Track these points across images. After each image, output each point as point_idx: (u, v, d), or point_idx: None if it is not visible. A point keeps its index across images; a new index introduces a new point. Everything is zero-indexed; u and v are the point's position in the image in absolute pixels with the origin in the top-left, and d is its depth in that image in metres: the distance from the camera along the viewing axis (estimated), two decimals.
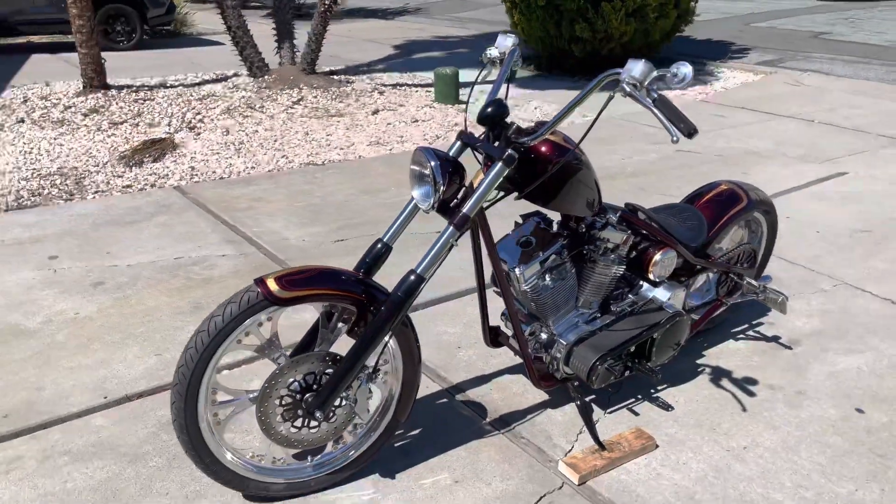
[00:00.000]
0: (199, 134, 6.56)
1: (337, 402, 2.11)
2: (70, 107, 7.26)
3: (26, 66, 9.70)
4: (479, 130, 2.26)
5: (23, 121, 6.83)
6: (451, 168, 2.07)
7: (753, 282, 2.99)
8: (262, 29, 10.12)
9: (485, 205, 2.24)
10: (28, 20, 10.72)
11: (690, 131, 1.91)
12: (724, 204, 2.94)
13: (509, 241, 2.44)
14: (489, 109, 2.12)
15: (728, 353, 3.08)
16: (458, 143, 2.26)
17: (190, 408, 1.95)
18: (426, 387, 2.80)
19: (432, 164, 2.04)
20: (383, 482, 2.28)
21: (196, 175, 5.48)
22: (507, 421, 2.61)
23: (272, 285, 1.93)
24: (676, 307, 2.66)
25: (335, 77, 8.86)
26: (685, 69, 1.91)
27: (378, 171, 5.54)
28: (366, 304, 2.06)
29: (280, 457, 2.18)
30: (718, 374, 2.93)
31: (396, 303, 2.03)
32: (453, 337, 3.12)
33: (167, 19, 12.16)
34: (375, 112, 7.44)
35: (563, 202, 2.31)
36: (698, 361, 3.02)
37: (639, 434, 2.50)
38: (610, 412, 2.68)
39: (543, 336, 2.54)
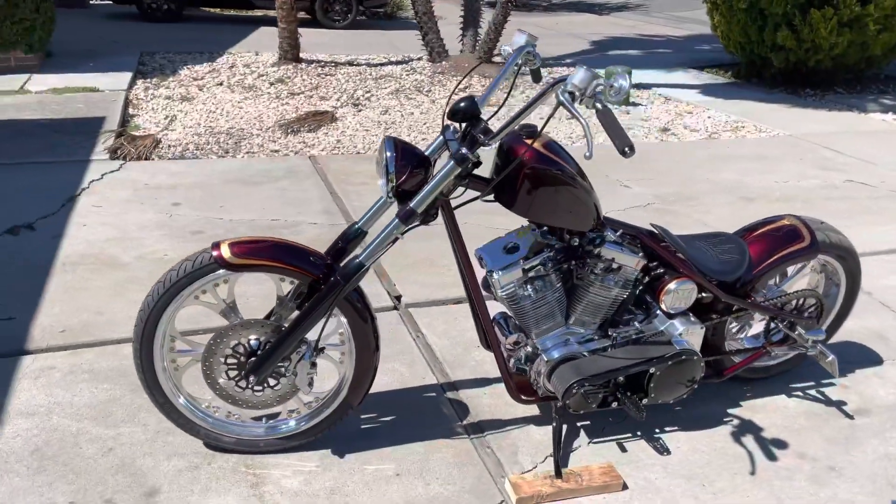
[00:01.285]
0: (360, 111, 6.95)
1: (280, 372, 2.20)
2: (262, 75, 8.02)
3: (252, 36, 10.82)
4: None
5: (222, 83, 7.67)
6: (411, 160, 2.07)
7: (804, 333, 2.63)
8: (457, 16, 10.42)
9: (453, 203, 2.21)
10: None
11: (625, 147, 1.77)
12: (778, 240, 2.60)
13: (496, 244, 2.37)
14: (461, 105, 2.07)
15: (771, 409, 2.74)
16: (441, 137, 2.23)
17: (146, 350, 2.15)
18: (423, 378, 2.81)
19: (387, 154, 2.06)
20: (330, 459, 2.35)
21: (337, 148, 5.83)
22: (482, 427, 2.55)
23: (225, 250, 2.07)
24: (689, 344, 2.43)
25: None
26: (623, 81, 1.77)
27: None
28: (317, 282, 2.13)
29: (235, 413, 2.33)
30: (746, 429, 2.63)
31: (333, 285, 2.08)
32: (475, 336, 3.08)
33: (381, 1, 12.90)
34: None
35: (541, 212, 2.20)
36: (730, 410, 2.72)
37: (607, 471, 2.32)
38: (596, 442, 2.51)
39: (528, 348, 2.45)
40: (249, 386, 2.19)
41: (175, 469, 2.26)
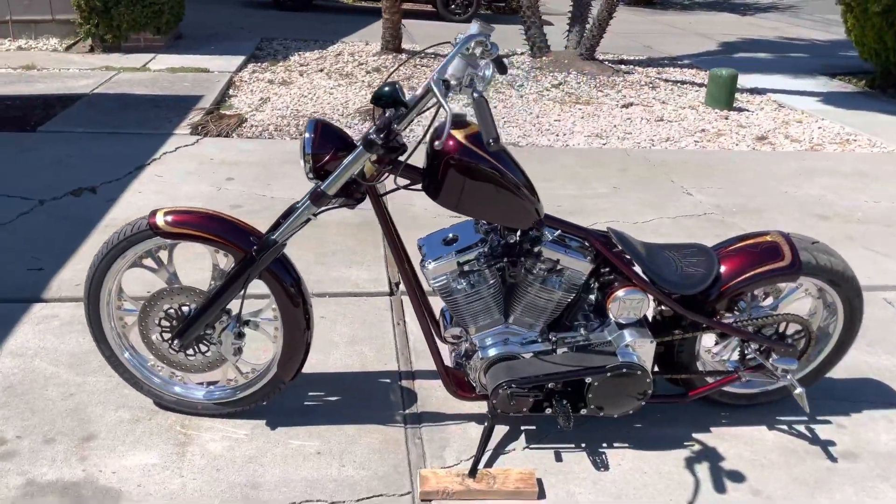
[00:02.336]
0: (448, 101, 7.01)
1: (208, 339, 2.31)
2: (362, 64, 8.27)
3: (372, 26, 11.12)
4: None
5: (323, 70, 7.99)
6: (329, 142, 2.09)
7: (775, 360, 2.41)
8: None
9: (381, 191, 2.21)
10: None
11: (489, 139, 1.72)
12: (753, 257, 2.39)
13: (438, 235, 2.34)
14: (384, 90, 2.07)
15: (742, 439, 2.53)
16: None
17: (93, 306, 2.32)
18: (385, 364, 2.83)
19: (305, 136, 2.10)
20: (261, 429, 2.43)
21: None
22: (421, 419, 2.54)
23: (159, 218, 2.19)
24: (636, 357, 2.30)
25: (613, 66, 8.63)
26: (489, 71, 1.71)
27: (561, 162, 5.40)
28: (243, 255, 2.20)
29: (179, 374, 2.46)
30: (705, 456, 2.45)
31: (248, 259, 2.15)
32: None
33: None
34: (627, 105, 7.14)
35: (467, 206, 2.16)
36: (696, 435, 2.55)
37: (524, 477, 2.25)
38: (533, 447, 2.44)
39: (467, 344, 2.41)
40: (179, 349, 2.31)
41: (118, 420, 2.43)
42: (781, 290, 2.55)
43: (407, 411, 2.57)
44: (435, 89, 1.88)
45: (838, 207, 4.76)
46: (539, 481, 2.28)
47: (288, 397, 2.57)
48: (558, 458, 2.40)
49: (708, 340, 2.60)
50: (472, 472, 2.25)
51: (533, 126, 6.37)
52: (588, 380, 2.30)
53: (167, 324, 2.31)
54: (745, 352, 2.50)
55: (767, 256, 2.38)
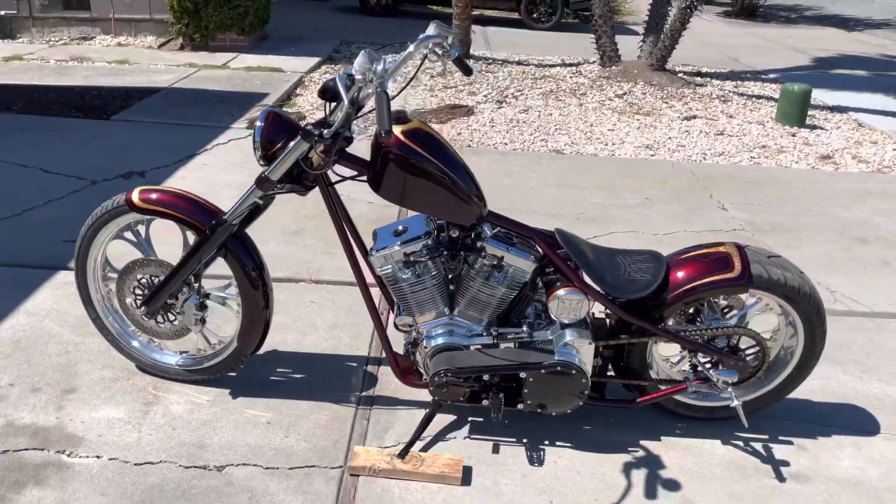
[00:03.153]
0: (501, 107, 7.11)
1: (173, 309, 2.51)
2: (427, 69, 8.46)
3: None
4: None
5: None
6: (278, 131, 2.24)
7: (717, 372, 2.38)
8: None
9: (333, 179, 2.34)
10: None
11: (381, 130, 1.84)
12: (703, 267, 2.37)
13: (391, 226, 2.46)
14: (329, 84, 2.19)
15: (691, 451, 2.51)
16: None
17: (81, 273, 2.57)
18: (356, 349, 2.97)
19: (257, 124, 2.26)
20: (223, 398, 2.62)
21: (455, 140, 6.05)
22: (374, 401, 2.66)
23: (135, 195, 2.41)
24: (573, 357, 2.33)
25: (686, 77, 8.46)
26: (378, 65, 1.87)
27: (600, 171, 5.38)
28: (203, 233, 2.39)
29: (156, 341, 2.68)
30: (645, 463, 2.45)
31: (201, 237, 2.34)
32: None
33: (587, 4, 12.77)
34: (689, 118, 7.00)
35: (407, 199, 2.25)
36: (643, 442, 2.54)
37: (451, 463, 2.33)
38: (474, 438, 2.51)
39: (416, 333, 2.51)
40: (149, 316, 2.53)
41: (99, 378, 2.67)
42: (744, 303, 2.51)
43: (363, 393, 2.70)
44: (339, 83, 1.99)
45: (883, 231, 4.53)
46: (469, 469, 2.35)
47: (257, 371, 2.75)
48: (495, 451, 2.46)
49: (669, 350, 2.59)
50: (403, 454, 2.35)
51: (583, 134, 6.36)
52: (523, 375, 2.35)
53: (139, 292, 2.53)
54: (695, 362, 2.47)
55: (717, 267, 2.35)
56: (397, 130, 2.21)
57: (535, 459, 2.42)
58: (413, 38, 2.26)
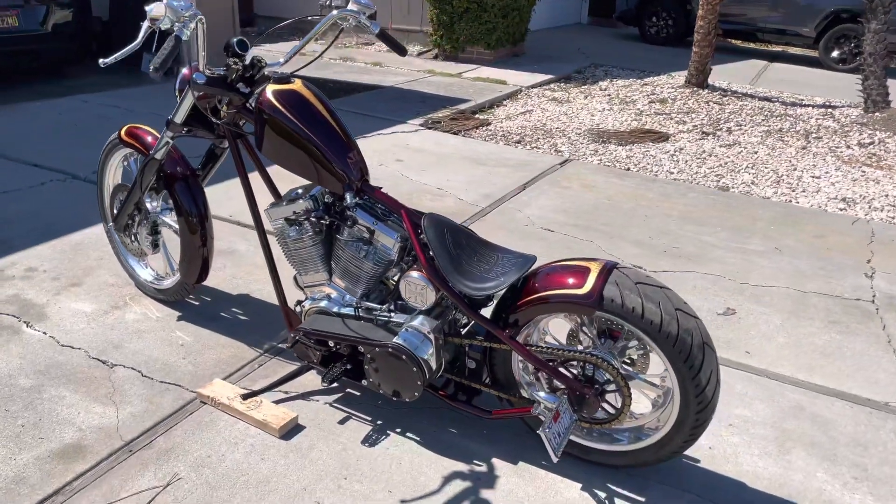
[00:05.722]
0: (703, 138, 6.58)
1: (132, 230, 2.94)
2: (652, 94, 8.09)
3: (729, 66, 10.66)
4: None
5: (609, 94, 8.08)
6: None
7: (543, 396, 2.08)
8: None
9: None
10: (763, 28, 11.49)
11: (151, 67, 1.97)
12: (558, 279, 2.09)
13: (297, 188, 2.58)
14: (231, 41, 2.37)
15: (537, 484, 2.24)
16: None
17: (99, 193, 3.12)
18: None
19: (179, 75, 2.55)
20: (168, 317, 2.97)
21: (617, 163, 5.79)
22: (282, 352, 2.80)
23: (123, 130, 2.88)
24: (409, 344, 2.25)
25: None
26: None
27: (749, 214, 4.74)
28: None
29: (144, 260, 3.14)
30: (474, 478, 2.24)
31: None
32: None
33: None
34: None
35: (277, 158, 2.35)
36: (496, 459, 2.32)
37: (281, 417, 2.38)
38: (333, 406, 2.52)
39: (301, 289, 2.60)
40: (119, 231, 2.97)
41: (103, 282, 3.22)
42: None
43: (280, 344, 2.85)
44: (142, 25, 2.16)
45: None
46: (299, 428, 2.39)
47: (214, 305, 3.07)
48: (341, 422, 2.45)
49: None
50: (246, 396, 2.47)
51: (774, 176, 5.61)
52: (361, 350, 2.33)
53: (115, 212, 3.02)
54: (555, 385, 2.20)
55: (571, 281, 2.07)
56: (270, 90, 2.34)
57: (367, 439, 2.36)
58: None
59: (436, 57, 9.60)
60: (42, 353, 2.69)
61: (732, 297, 3.54)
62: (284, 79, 2.37)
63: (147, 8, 2.20)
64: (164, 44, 2.09)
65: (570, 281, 2.06)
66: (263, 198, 2.75)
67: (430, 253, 2.21)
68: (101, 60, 2.33)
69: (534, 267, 2.23)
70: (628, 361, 2.21)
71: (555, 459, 2.03)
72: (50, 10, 6.60)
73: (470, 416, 2.46)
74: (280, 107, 2.31)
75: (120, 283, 3.22)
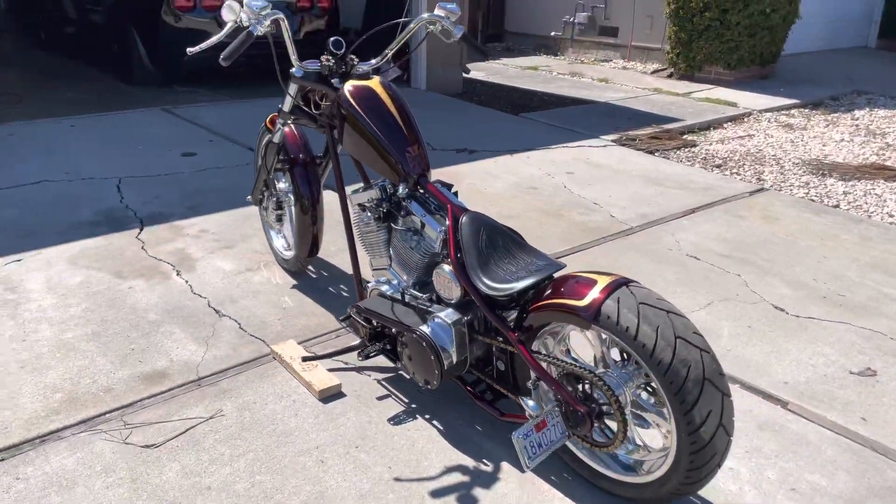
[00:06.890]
0: None
1: (264, 204, 3.34)
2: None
3: None
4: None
5: (858, 125, 7.20)
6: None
7: (529, 405, 2.03)
8: None
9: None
10: None
11: (222, 59, 2.23)
12: (567, 289, 2.03)
13: (376, 181, 2.77)
14: (330, 39, 2.63)
15: (536, 492, 2.21)
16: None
17: (255, 173, 3.61)
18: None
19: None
20: (285, 283, 3.35)
21: (820, 197, 5.20)
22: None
23: (270, 118, 3.31)
24: (433, 333, 2.34)
25: None
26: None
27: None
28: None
29: (286, 238, 3.56)
30: (481, 479, 2.27)
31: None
32: None
33: None
34: None
35: (350, 148, 2.57)
36: (504, 462, 2.33)
37: (324, 382, 2.58)
38: (382, 382, 2.68)
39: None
40: (254, 202, 3.40)
41: (252, 247, 3.71)
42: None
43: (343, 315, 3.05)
44: (232, 11, 2.43)
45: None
46: (340, 395, 2.59)
47: (327, 280, 3.39)
48: (380, 398, 2.60)
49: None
50: (307, 359, 2.72)
51: None
52: (394, 332, 2.46)
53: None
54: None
55: (574, 292, 2.00)
56: (348, 85, 2.56)
57: (396, 420, 2.48)
58: None
59: (670, 76, 9.27)
60: (177, 296, 3.21)
61: (883, 358, 3.05)
62: (364, 75, 2.59)
63: (225, 5, 2.52)
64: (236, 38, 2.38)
65: (578, 291, 2.00)
66: None
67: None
68: (188, 49, 2.67)
69: (559, 274, 2.19)
70: (650, 390, 2.07)
71: (525, 469, 1.98)
72: (304, 20, 7.58)
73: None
74: (352, 101, 2.52)
75: (264, 251, 3.69)
